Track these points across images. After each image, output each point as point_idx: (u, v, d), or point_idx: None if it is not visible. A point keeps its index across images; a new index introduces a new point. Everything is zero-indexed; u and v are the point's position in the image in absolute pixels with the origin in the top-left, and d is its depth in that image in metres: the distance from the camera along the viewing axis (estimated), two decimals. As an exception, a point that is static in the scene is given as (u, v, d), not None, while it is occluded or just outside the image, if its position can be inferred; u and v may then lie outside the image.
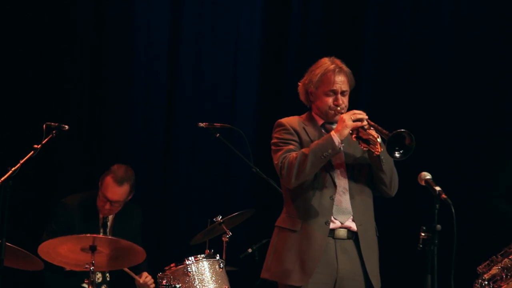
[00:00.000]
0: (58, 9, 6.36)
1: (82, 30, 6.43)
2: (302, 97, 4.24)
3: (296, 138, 4.12)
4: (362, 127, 3.97)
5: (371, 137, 3.94)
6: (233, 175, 6.53)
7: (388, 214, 6.24)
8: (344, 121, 3.97)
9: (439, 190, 3.64)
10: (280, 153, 4.07)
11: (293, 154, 4.02)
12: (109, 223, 5.38)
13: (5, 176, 4.39)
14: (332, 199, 4.06)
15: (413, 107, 6.39)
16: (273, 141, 4.17)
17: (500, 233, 5.18)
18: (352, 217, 4.08)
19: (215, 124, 5.72)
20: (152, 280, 5.37)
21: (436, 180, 3.75)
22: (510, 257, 4.88)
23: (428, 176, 3.77)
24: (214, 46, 6.65)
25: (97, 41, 6.48)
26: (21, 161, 4.54)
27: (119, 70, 6.51)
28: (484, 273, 4.89)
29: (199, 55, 6.64)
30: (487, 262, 4.93)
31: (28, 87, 6.28)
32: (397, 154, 3.90)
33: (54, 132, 4.79)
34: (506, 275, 4.84)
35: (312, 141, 4.07)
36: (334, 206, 4.07)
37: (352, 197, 4.10)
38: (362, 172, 4.15)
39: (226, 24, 6.67)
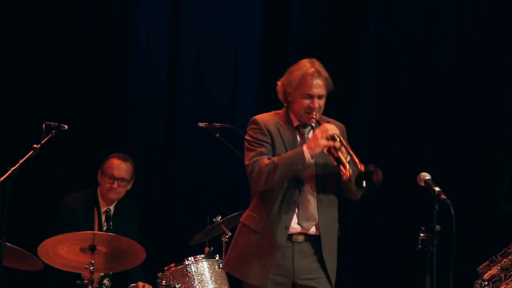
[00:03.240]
0: (58, 9, 6.36)
1: (82, 30, 6.43)
2: (280, 96, 4.29)
3: (268, 140, 4.17)
4: (334, 147, 4.02)
5: (341, 158, 3.99)
6: (232, 175, 6.52)
7: (388, 215, 6.25)
8: (317, 139, 4.03)
9: (438, 191, 3.65)
10: (252, 154, 4.16)
11: (265, 160, 4.09)
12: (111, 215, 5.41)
13: (5, 176, 4.40)
14: (296, 204, 4.12)
15: (413, 107, 6.39)
16: (246, 137, 4.25)
17: (500, 233, 5.19)
18: (316, 223, 4.14)
19: (214, 124, 5.73)
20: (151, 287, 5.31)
21: (436, 180, 3.75)
22: (509, 257, 4.88)
23: (427, 176, 3.77)
24: (214, 46, 6.64)
25: (97, 41, 6.48)
26: (21, 161, 4.54)
27: (119, 70, 6.51)
28: (484, 273, 4.90)
29: (199, 55, 6.63)
30: (487, 262, 4.94)
31: (28, 87, 6.27)
32: (363, 185, 3.94)
33: (53, 131, 4.79)
34: (505, 276, 4.84)
35: (285, 144, 4.15)
36: (300, 212, 4.13)
37: (319, 201, 4.16)
38: (330, 176, 4.18)
39: (226, 24, 6.65)
